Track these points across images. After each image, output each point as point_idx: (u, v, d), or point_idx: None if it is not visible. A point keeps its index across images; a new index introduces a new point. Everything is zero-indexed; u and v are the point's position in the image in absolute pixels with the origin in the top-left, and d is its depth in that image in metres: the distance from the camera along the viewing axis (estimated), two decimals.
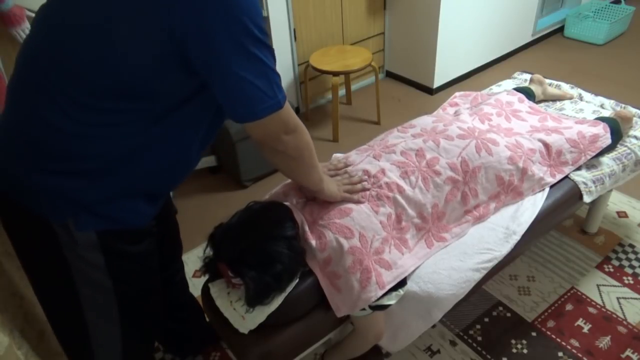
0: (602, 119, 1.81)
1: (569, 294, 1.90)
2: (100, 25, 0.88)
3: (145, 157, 0.99)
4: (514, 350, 1.71)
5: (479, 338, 1.76)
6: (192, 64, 0.90)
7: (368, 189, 1.36)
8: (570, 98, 2.11)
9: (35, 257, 1.08)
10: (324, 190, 1.28)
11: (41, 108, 0.93)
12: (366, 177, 1.39)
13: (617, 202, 2.31)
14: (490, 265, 1.42)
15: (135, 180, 1.01)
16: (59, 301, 1.11)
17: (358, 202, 1.32)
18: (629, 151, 1.80)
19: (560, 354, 1.68)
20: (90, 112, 0.91)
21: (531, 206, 1.56)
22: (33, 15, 1.96)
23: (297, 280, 1.24)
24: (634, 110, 1.95)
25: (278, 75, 0.97)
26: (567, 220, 2.22)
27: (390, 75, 3.64)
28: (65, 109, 0.91)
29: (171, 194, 2.46)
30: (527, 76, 2.24)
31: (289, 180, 1.48)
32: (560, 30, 4.11)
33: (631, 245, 2.08)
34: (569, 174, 1.68)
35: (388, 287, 1.25)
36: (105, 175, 0.97)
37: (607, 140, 1.73)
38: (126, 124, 0.94)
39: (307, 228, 1.28)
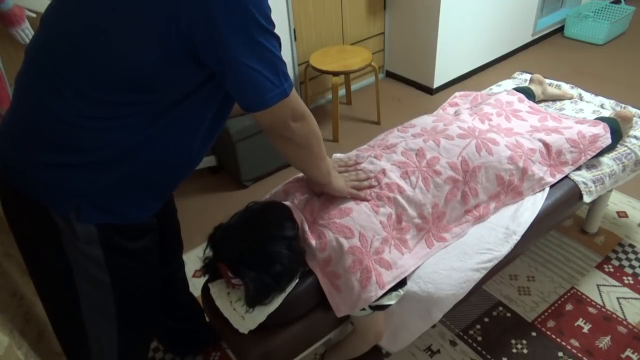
0: (602, 119, 1.81)
1: (569, 294, 1.89)
2: (108, 20, 0.88)
3: (150, 150, 0.99)
4: (514, 350, 1.71)
5: (479, 338, 1.76)
6: (200, 56, 0.91)
7: (374, 187, 1.36)
8: (570, 98, 2.11)
9: (35, 247, 1.08)
10: (332, 183, 1.29)
11: (48, 100, 0.93)
12: (373, 174, 1.39)
13: (617, 202, 2.31)
14: (490, 265, 1.42)
15: (140, 172, 1.01)
16: (57, 294, 1.11)
17: (364, 199, 1.32)
18: (629, 151, 1.80)
19: (560, 354, 1.68)
20: (97, 105, 0.92)
21: (531, 206, 1.56)
22: (33, 15, 1.95)
23: (297, 280, 1.23)
24: (634, 110, 1.95)
25: (284, 64, 0.98)
26: (567, 220, 2.22)
27: (390, 75, 3.64)
28: (72, 102, 0.92)
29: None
30: (527, 76, 2.24)
31: (290, 179, 1.48)
32: (560, 30, 4.11)
33: (631, 245, 2.08)
34: (569, 173, 1.68)
35: (388, 287, 1.25)
36: (110, 167, 0.97)
37: (607, 140, 1.73)
38: (132, 116, 0.94)
39: (306, 228, 1.28)
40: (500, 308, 1.86)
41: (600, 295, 1.88)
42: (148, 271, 1.18)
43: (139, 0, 0.86)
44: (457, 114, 1.85)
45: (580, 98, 2.11)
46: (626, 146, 1.81)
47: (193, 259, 2.16)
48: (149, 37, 0.87)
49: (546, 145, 1.64)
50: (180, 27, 0.86)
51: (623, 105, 1.99)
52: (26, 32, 1.94)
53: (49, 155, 0.96)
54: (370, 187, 1.36)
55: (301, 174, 1.43)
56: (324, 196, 1.36)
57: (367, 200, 1.33)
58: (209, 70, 0.95)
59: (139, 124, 0.95)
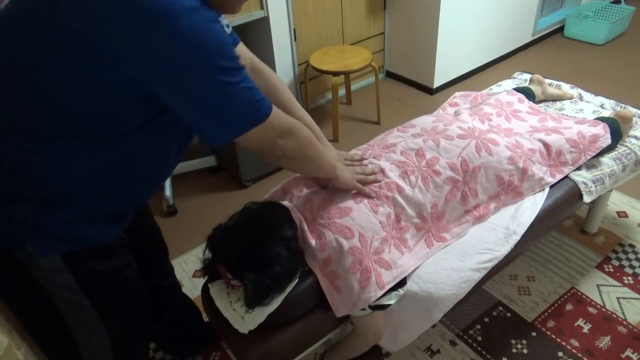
0: (602, 119, 1.81)
1: (569, 294, 1.89)
2: (43, 58, 0.82)
3: (102, 181, 0.95)
4: (514, 350, 1.70)
5: (479, 338, 1.76)
6: (157, 98, 0.87)
7: (379, 182, 1.36)
8: (570, 98, 2.11)
9: (9, 285, 1.06)
10: (338, 177, 1.29)
11: None
12: (377, 169, 1.39)
13: (617, 202, 2.31)
14: (490, 265, 1.42)
15: (94, 203, 0.97)
16: (45, 324, 1.10)
17: (368, 195, 1.33)
18: (629, 151, 1.80)
19: (560, 354, 1.68)
20: (41, 140, 0.87)
21: (531, 206, 1.56)
22: None
23: (296, 281, 1.23)
24: (634, 110, 1.94)
25: (256, 90, 0.93)
26: (567, 220, 2.22)
27: (390, 75, 3.64)
28: (16, 139, 0.87)
29: (170, 193, 2.47)
30: (527, 76, 2.24)
31: (290, 179, 1.48)
32: (560, 30, 4.11)
33: (631, 245, 2.08)
34: (568, 174, 1.68)
35: (388, 287, 1.25)
36: (62, 201, 0.93)
37: (607, 140, 1.73)
38: (76, 150, 0.89)
39: (306, 227, 1.28)
40: (500, 308, 1.86)
41: (600, 295, 1.88)
42: (126, 286, 1.15)
43: (82, 37, 0.79)
44: (457, 114, 1.85)
45: (580, 98, 2.11)
46: (626, 146, 1.81)
47: (193, 259, 2.16)
48: (97, 81, 0.83)
49: (546, 145, 1.64)
50: (134, 78, 0.82)
51: (623, 105, 1.99)
52: None
53: None
54: (375, 181, 1.36)
55: None
56: (324, 193, 1.36)
57: (371, 197, 1.33)
58: (160, 107, 0.91)
59: (85, 158, 0.90)
